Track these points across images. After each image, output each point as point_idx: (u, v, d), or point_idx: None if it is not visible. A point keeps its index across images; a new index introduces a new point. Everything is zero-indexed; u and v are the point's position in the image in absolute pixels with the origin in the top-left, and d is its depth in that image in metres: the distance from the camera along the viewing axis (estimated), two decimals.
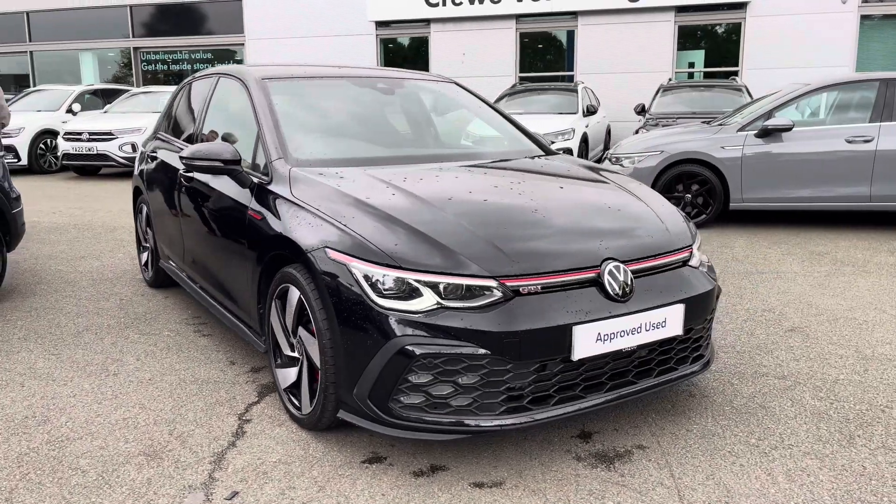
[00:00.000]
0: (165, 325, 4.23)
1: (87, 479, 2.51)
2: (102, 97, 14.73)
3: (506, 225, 2.68)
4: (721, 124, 7.49)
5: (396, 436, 2.48)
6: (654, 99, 11.26)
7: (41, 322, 4.29)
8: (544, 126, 10.26)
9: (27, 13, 18.96)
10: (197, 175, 3.73)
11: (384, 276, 2.44)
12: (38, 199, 9.87)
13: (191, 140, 4.17)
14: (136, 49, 18.29)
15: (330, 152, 3.35)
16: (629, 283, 2.61)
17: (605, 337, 2.52)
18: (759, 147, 7.05)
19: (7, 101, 7.45)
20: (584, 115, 11.11)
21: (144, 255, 5.12)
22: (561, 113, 10.96)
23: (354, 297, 2.46)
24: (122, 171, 13.17)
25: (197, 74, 4.62)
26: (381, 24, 16.04)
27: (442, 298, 2.41)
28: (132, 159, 11.41)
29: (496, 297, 2.43)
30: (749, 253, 6.11)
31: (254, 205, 3.14)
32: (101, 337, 4.01)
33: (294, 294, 2.76)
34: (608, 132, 13.29)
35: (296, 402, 2.87)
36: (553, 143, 10.05)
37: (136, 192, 5.17)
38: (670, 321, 2.69)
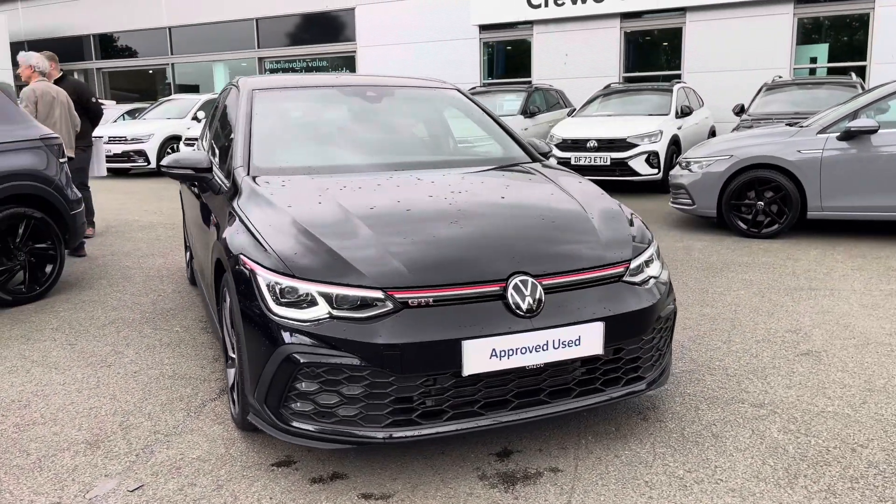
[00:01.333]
0: (180, 321, 4.52)
1: (27, 462, 2.75)
2: None
3: (416, 236, 2.65)
4: (801, 126, 6.91)
5: (291, 442, 2.53)
6: (754, 98, 10.55)
7: (80, 314, 4.71)
8: (630, 128, 9.93)
9: (169, 28, 20.68)
10: None
11: (281, 284, 2.50)
12: (150, 199, 10.75)
13: (212, 147, 4.42)
14: (260, 59, 19.46)
15: (291, 161, 3.45)
16: (537, 298, 2.51)
17: (502, 353, 2.44)
18: (841, 151, 6.44)
19: (102, 105, 8.17)
20: (678, 117, 10.61)
21: (187, 254, 5.49)
22: (651, 115, 10.53)
23: (256, 304, 2.54)
24: None
25: (225, 86, 4.89)
26: (484, 28, 16.09)
27: (333, 308, 2.44)
28: None
29: (386, 309, 2.42)
30: (813, 267, 5.61)
31: (216, 210, 3.30)
32: (120, 330, 4.35)
33: (227, 298, 2.88)
34: (712, 133, 12.59)
35: (234, 402, 2.99)
36: (637, 146, 9.70)
37: (181, 193, 5.56)
38: (586, 340, 2.56)
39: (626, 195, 9.80)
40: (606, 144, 9.89)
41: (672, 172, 7.54)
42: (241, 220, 2.88)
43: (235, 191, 3.18)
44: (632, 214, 3.16)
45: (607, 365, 2.69)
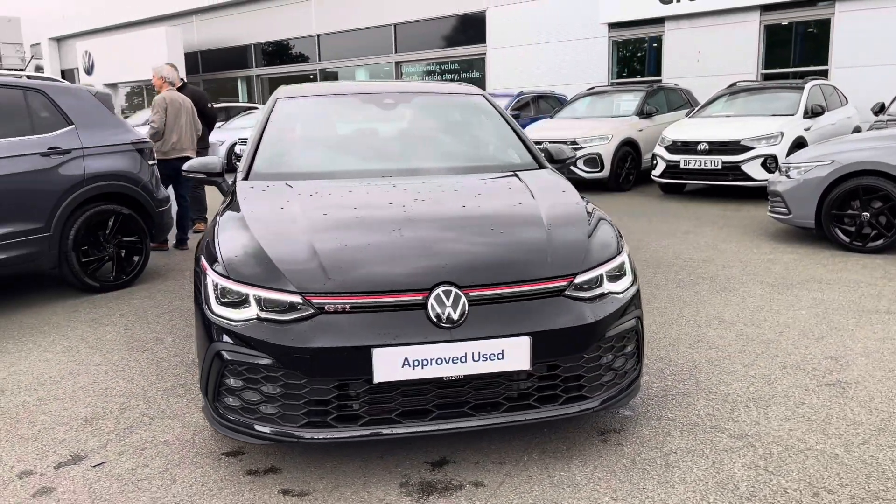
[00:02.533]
0: None
1: (29, 432, 3.12)
2: None
3: (351, 242, 2.71)
4: None
5: (224, 434, 2.67)
6: None
7: (148, 302, 5.19)
8: (746, 130, 9.29)
9: (317, 36, 21.94)
10: None
11: (222, 285, 2.65)
12: None
13: None
14: (397, 63, 20.15)
15: (289, 166, 3.61)
16: (459, 310, 2.49)
17: (416, 363, 2.45)
18: None
19: (214, 108, 8.86)
20: (808, 117, 9.75)
21: None
22: (774, 115, 9.76)
23: (203, 303, 2.71)
24: None
25: None
26: (613, 26, 15.63)
27: (261, 311, 2.56)
28: None
29: (306, 313, 2.50)
30: None
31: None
32: (172, 319, 4.75)
33: None
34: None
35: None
36: (752, 148, 9.05)
37: None
38: (511, 354, 2.50)
39: (739, 202, 9.17)
40: (719, 147, 9.30)
41: (770, 178, 6.99)
42: (215, 221, 3.08)
43: (229, 194, 3.40)
44: (598, 223, 3.02)
45: (543, 381, 2.61)
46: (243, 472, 2.71)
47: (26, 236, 5.04)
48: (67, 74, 31.03)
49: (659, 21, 14.90)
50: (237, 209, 3.08)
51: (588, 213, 3.09)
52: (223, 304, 2.63)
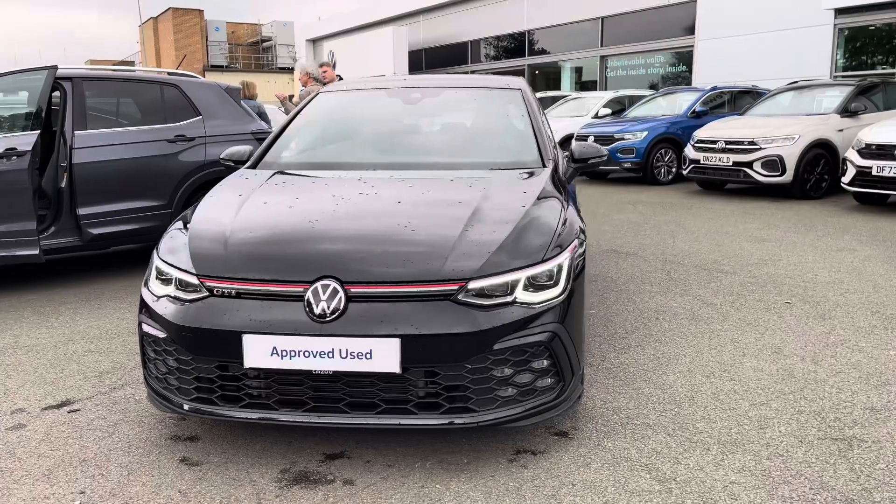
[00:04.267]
0: None
1: (55, 377, 3.62)
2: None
3: (264, 232, 2.81)
4: None
5: (149, 399, 2.88)
6: None
7: None
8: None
9: (527, 32, 22.09)
10: None
11: (156, 264, 2.88)
12: None
13: None
14: (602, 57, 19.60)
15: (296, 157, 3.76)
16: (333, 305, 2.47)
17: (284, 353, 2.47)
18: None
19: None
20: None
21: None
22: None
23: (145, 279, 2.96)
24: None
25: None
26: (840, 12, 13.76)
27: (176, 289, 2.74)
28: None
29: (202, 295, 2.64)
30: None
31: None
32: None
33: None
34: None
35: None
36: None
37: None
38: (380, 355, 2.43)
39: None
40: None
41: None
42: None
43: None
44: (535, 226, 2.78)
45: (420, 387, 2.50)
46: (168, 437, 2.93)
47: (153, 211, 5.81)
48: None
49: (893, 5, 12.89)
50: (207, 194, 3.31)
51: (527, 216, 2.85)
52: (158, 280, 2.85)
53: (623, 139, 11.91)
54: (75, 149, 5.42)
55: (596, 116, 14.14)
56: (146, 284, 2.88)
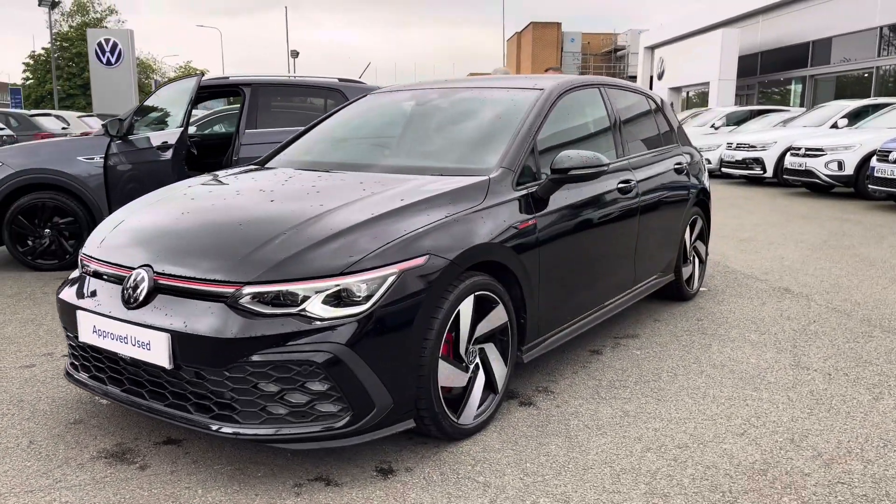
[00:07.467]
0: None
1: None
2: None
3: (147, 218, 3.03)
4: None
5: None
6: None
7: None
8: None
9: (880, 28, 18.69)
10: None
11: None
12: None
13: None
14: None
15: (297, 155, 3.80)
16: (138, 292, 2.54)
17: (101, 332, 2.62)
18: None
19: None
20: None
21: None
22: None
23: None
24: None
25: None
26: None
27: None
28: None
29: (83, 271, 2.93)
30: None
31: None
32: None
33: None
34: None
35: None
36: None
37: None
38: (155, 347, 2.46)
39: None
40: None
41: None
42: None
43: None
44: (370, 234, 2.53)
45: (190, 388, 2.44)
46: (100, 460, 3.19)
47: None
48: (643, 80, 33.63)
49: None
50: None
51: (364, 225, 2.55)
52: None
53: None
54: (243, 145, 6.19)
55: (833, 126, 12.65)
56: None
